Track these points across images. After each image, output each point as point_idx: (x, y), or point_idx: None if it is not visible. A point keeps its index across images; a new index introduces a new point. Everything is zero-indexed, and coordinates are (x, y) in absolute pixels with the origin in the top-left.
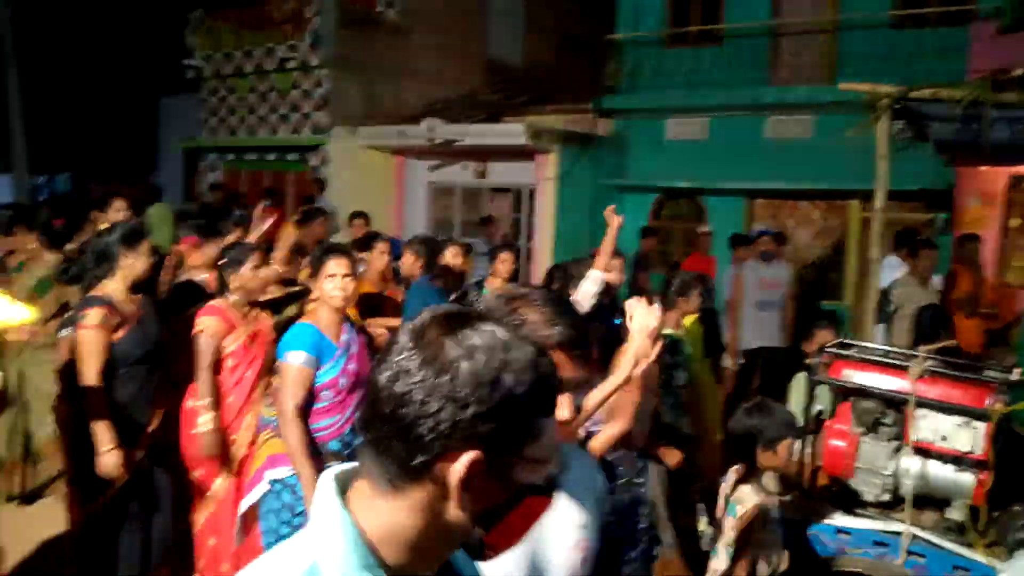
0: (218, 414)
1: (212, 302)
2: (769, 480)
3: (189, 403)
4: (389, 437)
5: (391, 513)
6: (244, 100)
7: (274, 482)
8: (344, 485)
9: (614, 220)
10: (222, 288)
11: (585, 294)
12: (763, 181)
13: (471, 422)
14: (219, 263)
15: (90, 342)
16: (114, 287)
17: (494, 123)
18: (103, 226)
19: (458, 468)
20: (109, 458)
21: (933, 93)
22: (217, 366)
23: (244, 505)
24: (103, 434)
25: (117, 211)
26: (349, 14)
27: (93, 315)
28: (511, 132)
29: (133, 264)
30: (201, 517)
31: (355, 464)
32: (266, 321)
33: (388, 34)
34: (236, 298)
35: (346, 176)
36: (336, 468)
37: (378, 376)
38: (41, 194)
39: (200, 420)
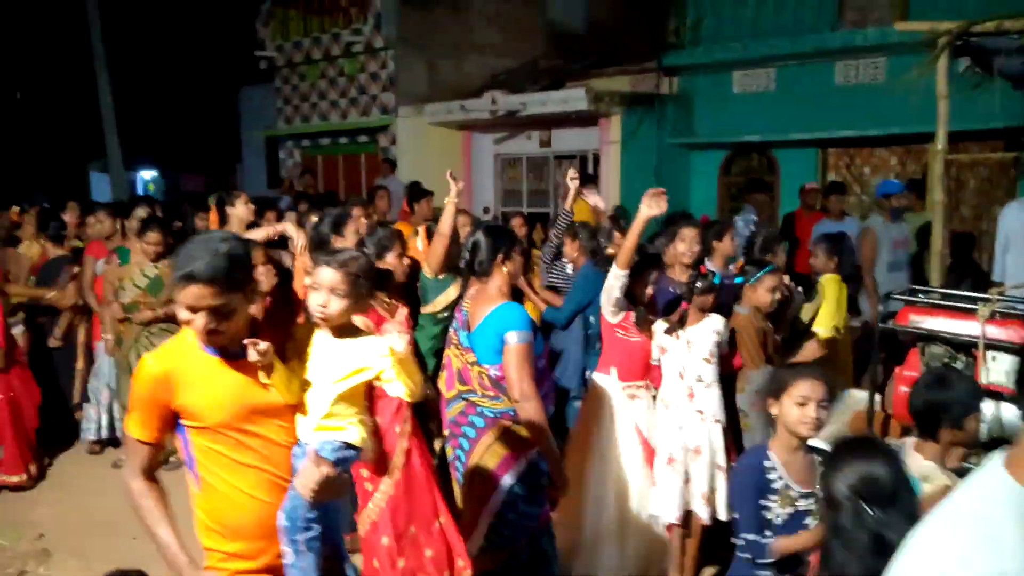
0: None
1: None
2: (953, 455)
3: None
4: None
5: None
6: (315, 86)
7: (527, 466)
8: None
9: (650, 207)
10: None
11: (609, 292)
12: (836, 129)
13: None
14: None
15: None
16: None
17: (556, 90)
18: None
19: None
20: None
21: (997, 26)
22: None
23: (497, 499)
24: None
25: (244, 203)
26: None
27: None
28: (572, 98)
29: (344, 246)
30: (367, 517)
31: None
32: (404, 310)
33: (448, 10)
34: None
35: (415, 154)
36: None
37: None
38: (136, 190)
39: None
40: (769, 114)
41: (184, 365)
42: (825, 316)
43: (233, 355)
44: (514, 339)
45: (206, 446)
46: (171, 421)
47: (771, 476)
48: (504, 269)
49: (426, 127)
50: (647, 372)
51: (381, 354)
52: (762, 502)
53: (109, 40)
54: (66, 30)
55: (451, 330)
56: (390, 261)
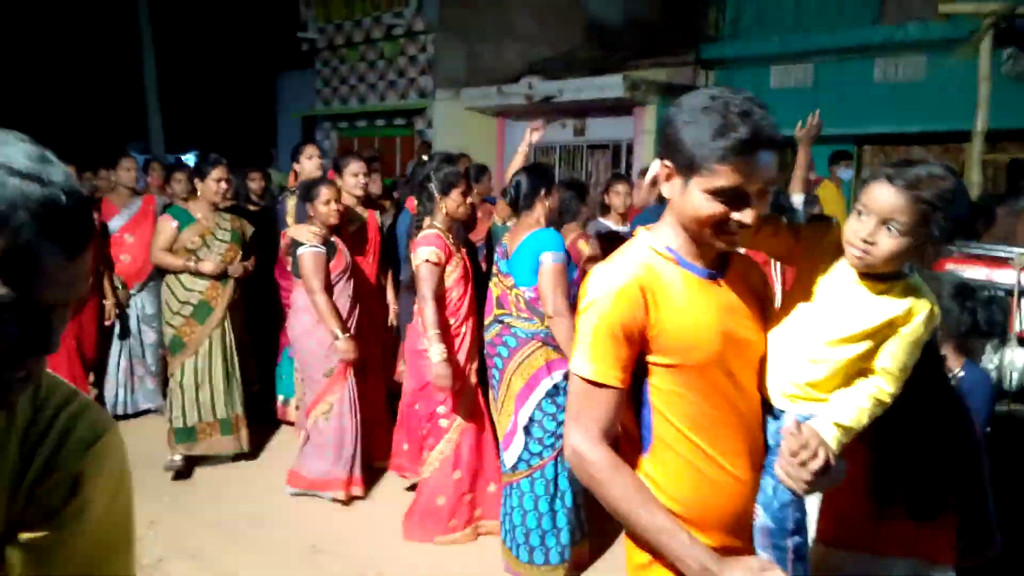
0: (446, 345)
1: (428, 230)
2: None
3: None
4: None
5: None
6: (354, 69)
7: (552, 387)
8: None
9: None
10: (421, 215)
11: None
12: (873, 126)
13: None
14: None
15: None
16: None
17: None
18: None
19: None
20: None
21: None
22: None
23: (524, 415)
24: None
25: (308, 158)
26: None
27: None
28: (608, 85)
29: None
30: (443, 447)
31: None
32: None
33: None
34: (442, 225)
35: (450, 138)
36: None
37: None
38: None
39: (431, 352)
40: (806, 109)
41: (660, 281)
42: None
43: (711, 274)
44: (549, 259)
45: (674, 392)
46: (636, 357)
47: None
48: (545, 203)
49: (462, 112)
50: None
51: (913, 319)
52: None
53: (155, 20)
54: (112, 9)
55: (494, 263)
56: (453, 199)
